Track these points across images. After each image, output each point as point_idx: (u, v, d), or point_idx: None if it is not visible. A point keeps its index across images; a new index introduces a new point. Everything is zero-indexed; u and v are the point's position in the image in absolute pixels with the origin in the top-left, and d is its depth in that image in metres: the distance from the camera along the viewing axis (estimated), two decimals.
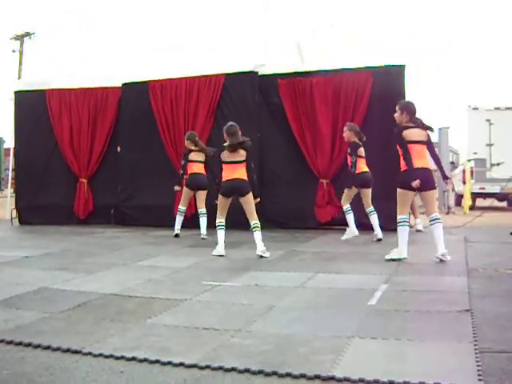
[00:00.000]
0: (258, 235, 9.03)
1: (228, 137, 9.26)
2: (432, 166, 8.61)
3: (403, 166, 8.27)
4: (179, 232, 11.62)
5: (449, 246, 9.95)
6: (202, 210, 11.58)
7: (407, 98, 12.05)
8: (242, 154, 9.24)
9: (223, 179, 9.30)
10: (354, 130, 10.79)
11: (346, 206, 10.86)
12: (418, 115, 8.51)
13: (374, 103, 12.18)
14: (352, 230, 10.81)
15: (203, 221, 11.57)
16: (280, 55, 13.27)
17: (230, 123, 9.44)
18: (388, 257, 8.28)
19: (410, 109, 8.51)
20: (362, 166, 10.77)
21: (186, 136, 11.77)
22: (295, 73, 12.84)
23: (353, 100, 12.29)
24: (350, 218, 10.83)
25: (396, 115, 8.63)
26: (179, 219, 11.70)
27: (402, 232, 8.30)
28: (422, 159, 8.25)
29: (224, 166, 9.30)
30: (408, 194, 8.35)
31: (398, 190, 8.35)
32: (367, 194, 10.86)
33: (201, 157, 11.50)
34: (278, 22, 13.57)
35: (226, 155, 9.28)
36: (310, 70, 12.81)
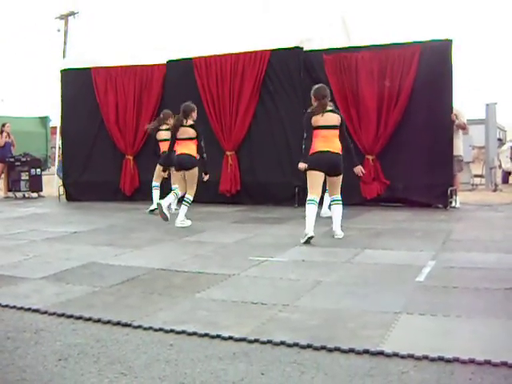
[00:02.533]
0: (185, 208, 10.08)
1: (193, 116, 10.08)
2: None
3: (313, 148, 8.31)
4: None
5: (496, 223, 9.89)
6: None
7: (454, 73, 11.93)
8: (192, 132, 9.99)
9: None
10: None
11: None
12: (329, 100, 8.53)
13: (420, 78, 12.01)
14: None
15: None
16: (325, 30, 13.12)
17: (188, 103, 10.17)
18: None
19: (317, 93, 8.45)
20: None
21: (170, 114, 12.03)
22: (341, 48, 12.70)
23: (399, 75, 12.12)
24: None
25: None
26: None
27: (308, 210, 8.15)
28: (328, 143, 8.28)
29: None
30: (314, 174, 8.31)
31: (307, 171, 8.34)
32: None
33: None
34: None
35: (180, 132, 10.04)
36: (355, 45, 12.68)
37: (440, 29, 11.91)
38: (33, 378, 3.39)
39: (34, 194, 17.26)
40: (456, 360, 3.47)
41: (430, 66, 11.83)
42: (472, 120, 21.37)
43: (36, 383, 3.33)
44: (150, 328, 4.23)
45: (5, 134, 17.70)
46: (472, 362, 3.44)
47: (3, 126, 17.96)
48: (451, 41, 11.91)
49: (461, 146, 12.67)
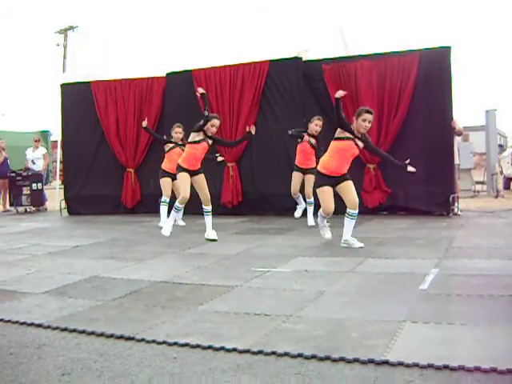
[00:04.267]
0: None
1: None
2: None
3: None
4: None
5: (499, 229, 9.86)
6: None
7: (454, 81, 11.94)
8: None
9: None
10: None
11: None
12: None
13: (419, 86, 12.03)
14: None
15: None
16: (324, 40, 13.16)
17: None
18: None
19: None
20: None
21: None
22: (340, 57, 12.74)
23: (398, 83, 12.15)
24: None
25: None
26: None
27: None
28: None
29: None
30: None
31: None
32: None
33: None
34: (321, 7, 13.46)
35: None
36: (354, 54, 12.71)
37: (438, 36, 11.91)
38: None
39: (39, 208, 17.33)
40: (461, 368, 3.44)
41: (429, 74, 11.85)
42: (472, 127, 21.35)
43: None
44: (153, 341, 4.20)
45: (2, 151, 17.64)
46: (478, 369, 3.41)
47: None
48: (450, 48, 11.93)
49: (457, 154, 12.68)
